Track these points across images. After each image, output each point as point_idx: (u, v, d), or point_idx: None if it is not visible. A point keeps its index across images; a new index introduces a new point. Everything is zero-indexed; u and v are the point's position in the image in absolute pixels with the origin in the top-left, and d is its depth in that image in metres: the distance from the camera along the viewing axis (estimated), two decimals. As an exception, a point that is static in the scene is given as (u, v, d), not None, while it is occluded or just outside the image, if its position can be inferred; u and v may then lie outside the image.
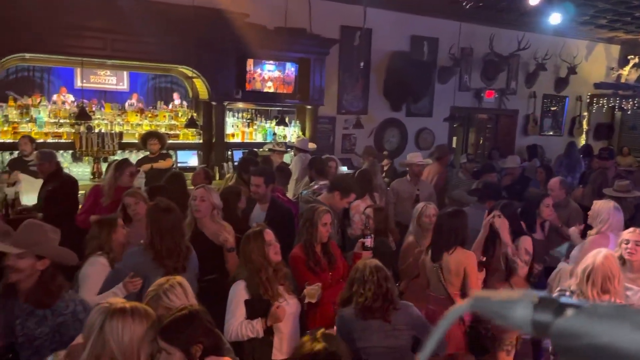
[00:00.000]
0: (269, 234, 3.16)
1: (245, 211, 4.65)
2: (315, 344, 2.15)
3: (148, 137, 6.88)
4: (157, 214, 3.23)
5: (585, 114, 12.61)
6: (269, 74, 8.02)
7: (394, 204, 6.18)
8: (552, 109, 12.25)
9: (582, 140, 12.44)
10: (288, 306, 3.09)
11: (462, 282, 3.65)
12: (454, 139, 11.35)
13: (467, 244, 3.76)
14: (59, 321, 2.50)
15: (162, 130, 7.74)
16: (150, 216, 3.28)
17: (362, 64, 8.44)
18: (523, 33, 10.43)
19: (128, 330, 1.89)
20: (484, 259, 3.96)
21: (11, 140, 6.73)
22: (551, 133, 12.28)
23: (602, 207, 4.14)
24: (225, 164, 7.80)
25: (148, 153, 6.90)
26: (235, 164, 7.64)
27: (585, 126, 12.67)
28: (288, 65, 8.08)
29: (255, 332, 2.96)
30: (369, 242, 3.91)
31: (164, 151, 7.00)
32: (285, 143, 7.81)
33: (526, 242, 4.03)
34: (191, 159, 7.92)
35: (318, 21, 8.43)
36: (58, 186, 5.25)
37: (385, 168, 7.99)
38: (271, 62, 7.92)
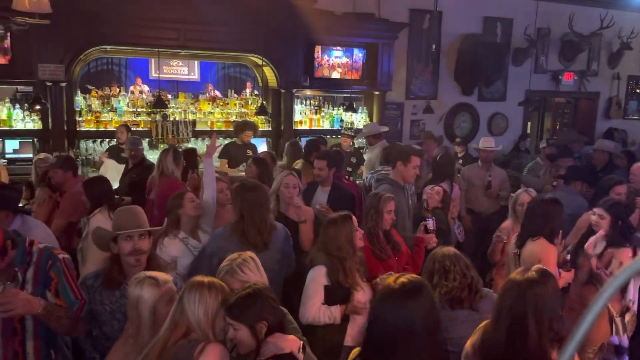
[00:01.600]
0: (355, 220, 3.15)
1: (307, 194, 4.68)
2: (402, 277, 1.99)
3: (244, 128, 6.87)
4: (245, 193, 3.31)
5: (676, 95, 11.67)
6: (336, 60, 7.99)
7: (465, 191, 6.00)
8: (638, 91, 11.42)
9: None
10: (364, 295, 3.08)
11: None
12: (529, 123, 10.84)
13: (555, 236, 3.44)
14: None
15: (233, 118, 7.92)
16: (238, 195, 3.34)
17: (433, 46, 8.22)
18: (606, 10, 9.75)
19: (204, 302, 1.98)
20: (569, 257, 3.67)
21: (94, 129, 7.12)
22: (637, 117, 11.46)
23: None
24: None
25: (234, 140, 6.96)
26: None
27: (675, 109, 11.73)
28: (356, 51, 8.02)
29: (333, 318, 2.96)
30: (430, 224, 3.81)
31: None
32: (351, 128, 7.70)
33: (624, 256, 3.43)
34: (261, 146, 8.03)
35: (386, 5, 8.29)
36: (141, 173, 5.47)
37: (460, 155, 7.77)
38: (339, 48, 7.89)
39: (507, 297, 2.08)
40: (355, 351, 2.06)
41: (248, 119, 7.46)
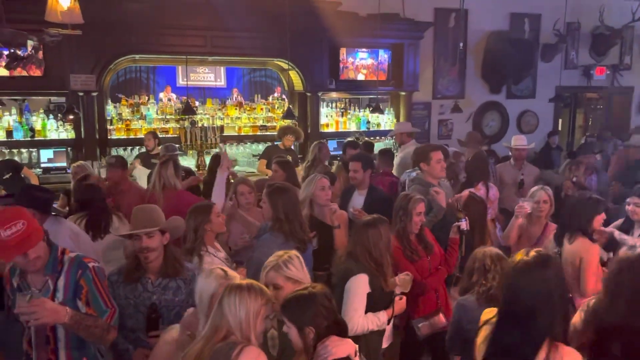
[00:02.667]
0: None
1: (344, 197, 4.65)
2: (531, 251, 2.08)
3: (286, 132, 6.93)
4: (282, 194, 3.30)
5: None
6: (361, 62, 7.97)
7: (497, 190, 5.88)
8: (674, 84, 11.04)
9: None
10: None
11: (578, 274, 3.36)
12: (560, 120, 10.60)
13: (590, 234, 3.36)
14: (192, 288, 2.67)
15: (260, 123, 7.97)
16: (275, 197, 3.30)
17: (461, 44, 8.11)
18: (638, 2, 9.49)
19: (244, 305, 1.97)
20: (611, 255, 3.55)
21: (125, 137, 7.25)
22: (673, 111, 11.10)
23: None
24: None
25: (277, 144, 7.01)
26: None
27: None
28: (381, 52, 7.99)
29: (380, 323, 2.94)
30: (464, 225, 3.74)
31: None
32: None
33: None
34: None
35: (411, 4, 8.22)
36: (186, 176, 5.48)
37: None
38: (364, 49, 7.87)
39: (625, 273, 2.26)
40: (489, 313, 2.18)
41: (291, 125, 7.45)
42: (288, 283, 2.38)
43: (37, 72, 6.42)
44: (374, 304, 2.94)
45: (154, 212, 2.84)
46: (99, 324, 2.42)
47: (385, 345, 3.26)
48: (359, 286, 2.93)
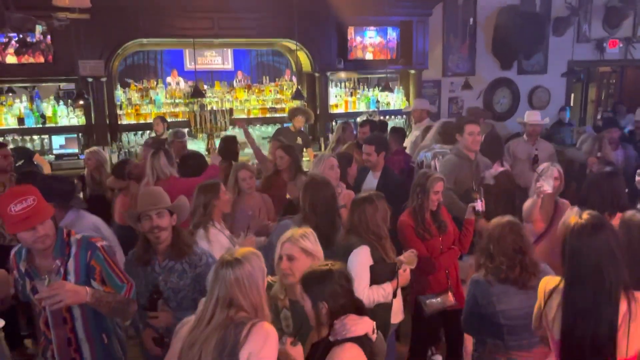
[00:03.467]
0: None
1: (358, 179, 4.64)
2: (584, 214, 2.15)
3: (296, 113, 6.83)
4: (319, 188, 3.23)
5: None
6: (370, 41, 7.88)
7: (510, 167, 5.83)
8: (689, 55, 10.83)
9: None
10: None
11: None
12: (572, 96, 10.45)
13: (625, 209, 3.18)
14: (197, 272, 2.76)
15: (269, 105, 7.94)
16: (311, 189, 3.25)
17: (471, 20, 8.00)
18: (652, -28, 9.27)
19: (253, 279, 1.97)
20: None
21: (135, 122, 7.27)
22: (688, 83, 10.90)
23: None
24: (330, 135, 7.83)
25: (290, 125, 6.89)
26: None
27: None
28: (389, 30, 7.88)
29: (386, 295, 2.96)
30: (479, 205, 3.69)
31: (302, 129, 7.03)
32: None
33: None
34: (297, 132, 8.04)
35: (419, -19, 8.09)
36: (197, 163, 5.43)
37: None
38: (372, 28, 7.77)
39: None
40: (551, 282, 2.23)
41: (301, 106, 7.40)
42: (303, 255, 2.40)
43: (45, 59, 6.42)
44: (377, 276, 2.96)
45: (160, 193, 2.87)
46: (118, 299, 2.47)
47: (395, 321, 3.27)
48: (361, 258, 2.96)
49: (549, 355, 2.44)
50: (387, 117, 8.10)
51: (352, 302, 2.12)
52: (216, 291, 1.95)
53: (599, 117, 7.23)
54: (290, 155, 4.70)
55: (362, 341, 2.04)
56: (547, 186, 3.79)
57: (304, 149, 6.75)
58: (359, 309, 2.14)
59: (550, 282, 2.25)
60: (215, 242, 3.28)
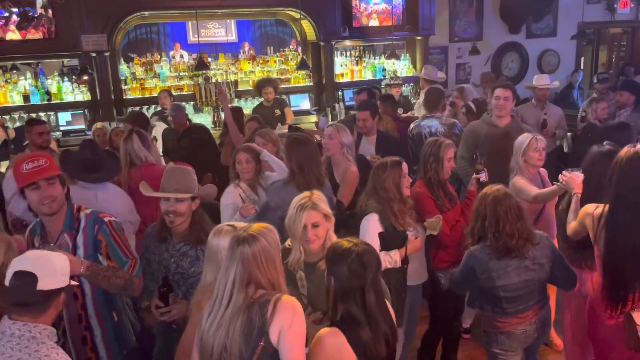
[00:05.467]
0: (405, 167, 3.12)
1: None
2: (631, 151, 2.51)
3: (263, 84, 6.73)
4: (295, 147, 3.33)
5: None
6: (374, 7, 7.74)
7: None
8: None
9: None
10: (417, 234, 3.11)
11: None
12: (582, 59, 10.25)
13: None
14: None
15: (274, 76, 7.85)
16: (289, 149, 3.36)
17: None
18: None
19: (266, 253, 1.91)
20: None
21: (140, 96, 7.24)
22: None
23: None
24: (336, 105, 7.76)
25: (263, 100, 6.84)
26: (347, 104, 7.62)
27: None
28: (395, -5, 7.73)
29: (393, 262, 2.99)
30: (483, 176, 3.62)
31: (277, 96, 6.99)
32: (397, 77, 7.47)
33: None
34: (303, 102, 7.98)
35: (425, -57, 7.88)
36: (189, 146, 5.41)
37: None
38: (377, -7, 7.62)
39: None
40: (597, 207, 2.59)
41: (264, 77, 7.26)
42: (323, 220, 2.42)
43: (48, 34, 6.37)
44: (387, 243, 2.99)
45: (188, 175, 2.74)
46: (119, 274, 2.46)
47: (413, 283, 3.26)
48: (370, 225, 3.01)
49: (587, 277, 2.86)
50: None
51: (360, 288, 1.98)
52: (233, 270, 1.88)
53: (595, 80, 6.96)
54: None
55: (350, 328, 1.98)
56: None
57: (285, 113, 6.64)
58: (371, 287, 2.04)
59: (597, 207, 2.60)
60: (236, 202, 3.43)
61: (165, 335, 2.75)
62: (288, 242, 2.52)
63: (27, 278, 1.84)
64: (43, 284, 1.84)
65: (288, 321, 1.84)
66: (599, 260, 2.61)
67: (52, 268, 1.89)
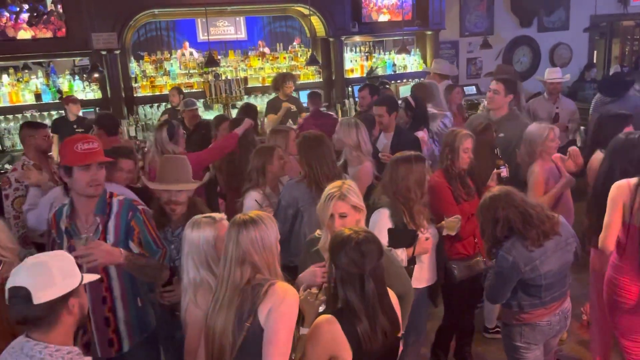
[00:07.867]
0: (427, 163, 3.07)
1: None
2: None
3: (286, 79, 6.61)
4: (305, 145, 3.31)
5: None
6: (384, 2, 7.69)
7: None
8: None
9: None
10: (428, 236, 2.98)
11: None
12: (595, 52, 10.13)
13: None
14: None
15: (284, 72, 7.83)
16: (299, 148, 3.34)
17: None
18: None
19: (259, 231, 1.94)
20: None
21: (150, 94, 7.26)
22: None
23: None
24: (346, 101, 7.74)
25: (279, 93, 6.63)
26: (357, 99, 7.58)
27: None
28: (404, -11, 7.69)
29: (399, 261, 2.89)
30: (504, 172, 3.59)
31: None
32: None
33: None
34: (312, 98, 7.95)
35: (434, -63, 7.82)
36: (201, 141, 5.40)
37: None
38: (386, -12, 7.58)
39: None
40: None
41: (284, 72, 7.20)
42: (352, 211, 2.38)
43: (59, 33, 6.40)
44: (395, 241, 2.89)
45: (185, 164, 2.82)
46: (151, 263, 2.50)
47: (418, 285, 3.19)
48: (379, 220, 2.93)
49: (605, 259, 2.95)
50: (405, 80, 7.95)
51: (358, 276, 1.96)
52: (230, 249, 1.93)
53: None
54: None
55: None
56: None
57: (298, 115, 6.52)
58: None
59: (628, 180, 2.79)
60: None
61: (167, 324, 2.79)
62: (318, 232, 2.53)
63: (20, 293, 1.64)
64: (40, 297, 1.64)
65: (278, 301, 1.85)
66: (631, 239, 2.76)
67: (49, 277, 1.67)
